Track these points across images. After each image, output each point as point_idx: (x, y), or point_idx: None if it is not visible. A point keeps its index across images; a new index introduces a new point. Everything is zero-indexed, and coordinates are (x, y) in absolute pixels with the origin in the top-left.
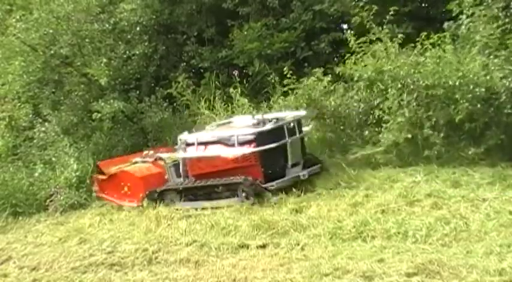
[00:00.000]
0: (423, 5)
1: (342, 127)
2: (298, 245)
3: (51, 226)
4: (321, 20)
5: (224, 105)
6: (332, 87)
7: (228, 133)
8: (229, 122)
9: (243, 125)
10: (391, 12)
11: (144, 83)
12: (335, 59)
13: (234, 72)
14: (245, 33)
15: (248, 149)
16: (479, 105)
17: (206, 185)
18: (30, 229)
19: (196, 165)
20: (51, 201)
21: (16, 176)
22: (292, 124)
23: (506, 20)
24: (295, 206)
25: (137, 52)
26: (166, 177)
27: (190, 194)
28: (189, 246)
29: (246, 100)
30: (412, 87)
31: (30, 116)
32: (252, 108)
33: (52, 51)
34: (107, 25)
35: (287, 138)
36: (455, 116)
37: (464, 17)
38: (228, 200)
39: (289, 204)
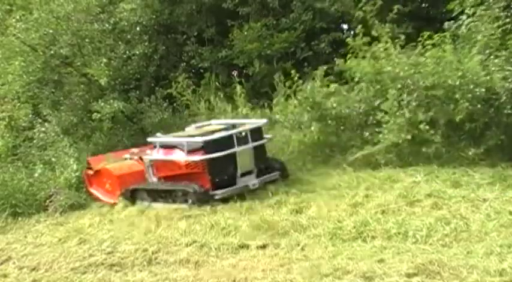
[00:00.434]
0: (423, 5)
1: (342, 127)
2: (298, 245)
3: (51, 226)
4: (321, 20)
5: (224, 104)
6: (333, 89)
7: (183, 139)
8: (208, 125)
9: (201, 131)
10: (394, 11)
11: (144, 83)
12: (335, 59)
13: (233, 73)
14: (245, 33)
15: (194, 157)
16: (479, 106)
17: (159, 188)
18: (30, 229)
19: (159, 168)
20: (50, 201)
21: (16, 176)
22: (243, 133)
23: (507, 20)
24: (295, 206)
25: (137, 52)
26: (146, 176)
27: (155, 195)
28: (189, 247)
29: (246, 100)
30: (412, 87)
31: (30, 116)
32: (250, 109)
33: (52, 51)
34: (107, 25)
35: (236, 148)
36: (455, 116)
37: (464, 16)
38: (180, 205)
39: (289, 205)
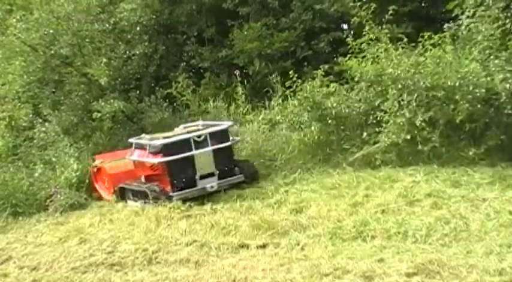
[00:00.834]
0: (423, 5)
1: (342, 127)
2: (298, 245)
3: (51, 226)
4: (321, 20)
5: (225, 104)
6: (333, 88)
7: (146, 141)
8: (196, 125)
9: (167, 134)
10: (390, 12)
11: (144, 83)
12: (335, 58)
13: (235, 72)
14: (245, 33)
15: (153, 159)
16: (479, 106)
17: (131, 188)
18: (30, 229)
19: (138, 168)
20: (51, 201)
21: (16, 176)
22: (202, 137)
23: (507, 21)
24: (295, 206)
25: (137, 52)
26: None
27: (132, 194)
28: (189, 246)
29: (246, 100)
30: (412, 87)
31: (30, 116)
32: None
33: (52, 51)
34: (107, 25)
35: (194, 151)
36: (455, 116)
37: (464, 17)
38: (144, 204)
39: (289, 204)
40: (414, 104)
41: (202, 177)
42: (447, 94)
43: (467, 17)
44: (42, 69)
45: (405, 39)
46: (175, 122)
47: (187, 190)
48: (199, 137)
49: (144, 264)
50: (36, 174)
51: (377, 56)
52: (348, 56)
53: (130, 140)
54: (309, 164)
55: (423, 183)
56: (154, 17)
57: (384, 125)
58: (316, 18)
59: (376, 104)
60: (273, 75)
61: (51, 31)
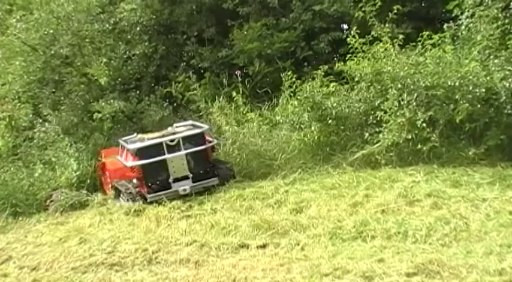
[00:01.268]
0: (423, 5)
1: (342, 127)
2: (298, 245)
3: (51, 226)
4: (321, 20)
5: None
6: (333, 88)
7: (127, 145)
8: (188, 124)
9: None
10: (394, 11)
11: (144, 82)
12: (335, 58)
13: (236, 73)
14: (245, 33)
15: (128, 162)
16: (479, 106)
17: (117, 187)
18: (30, 229)
19: (125, 168)
20: (51, 201)
21: (16, 176)
22: (175, 141)
23: (506, 21)
24: (295, 206)
25: (137, 52)
26: None
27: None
28: (189, 246)
29: (246, 100)
30: (412, 87)
31: (30, 116)
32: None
33: (52, 52)
34: (107, 25)
35: (166, 155)
36: (455, 116)
37: (464, 17)
38: (124, 203)
39: (289, 204)
40: (414, 103)
41: (177, 180)
42: (447, 94)
43: (467, 17)
44: (42, 69)
45: (401, 37)
46: (175, 122)
47: (161, 192)
48: (172, 141)
49: (144, 264)
50: (36, 174)
51: (377, 56)
52: (348, 55)
53: (120, 140)
54: (309, 164)
55: (423, 183)
56: (154, 17)
57: (384, 125)
58: (316, 18)
59: (376, 103)
60: (273, 75)
61: (51, 31)
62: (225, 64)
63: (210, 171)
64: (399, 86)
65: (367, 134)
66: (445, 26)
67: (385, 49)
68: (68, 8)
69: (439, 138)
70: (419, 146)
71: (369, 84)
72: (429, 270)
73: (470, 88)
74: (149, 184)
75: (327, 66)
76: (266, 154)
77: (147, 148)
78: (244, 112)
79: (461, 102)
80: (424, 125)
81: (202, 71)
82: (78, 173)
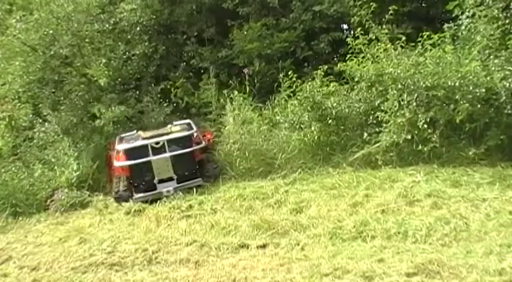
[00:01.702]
0: (423, 5)
1: (342, 127)
2: (298, 245)
3: (51, 226)
4: (321, 20)
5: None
6: (333, 88)
7: (117, 145)
8: (184, 123)
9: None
10: (390, 12)
11: (144, 83)
12: (335, 58)
13: (244, 71)
14: (245, 33)
15: (116, 162)
16: (479, 106)
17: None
18: (30, 229)
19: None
20: (51, 201)
21: (16, 176)
22: (160, 143)
23: (507, 21)
24: (295, 206)
25: (137, 52)
26: None
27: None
28: (189, 246)
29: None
30: (412, 87)
31: (30, 116)
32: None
33: (52, 52)
34: (107, 25)
35: (151, 156)
36: (455, 116)
37: (464, 17)
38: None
39: (289, 204)
40: (414, 104)
41: (162, 181)
42: (447, 94)
43: (467, 17)
44: (41, 70)
45: (403, 39)
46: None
47: (147, 193)
48: (157, 143)
49: (144, 264)
50: (36, 174)
51: (377, 56)
52: (348, 56)
53: (118, 137)
54: (309, 164)
55: (423, 183)
56: (154, 17)
57: (384, 125)
58: (316, 18)
59: (376, 104)
60: (273, 76)
61: (50, 31)
62: (225, 64)
63: (196, 172)
64: (399, 86)
65: (367, 134)
66: (445, 26)
67: (385, 49)
68: (68, 9)
69: (439, 138)
70: (419, 147)
71: (369, 84)
72: (429, 270)
73: (471, 88)
74: (135, 184)
75: (326, 66)
76: (266, 154)
77: (133, 149)
78: (244, 112)
79: (461, 102)
80: (425, 125)
81: (202, 71)
82: (78, 173)
